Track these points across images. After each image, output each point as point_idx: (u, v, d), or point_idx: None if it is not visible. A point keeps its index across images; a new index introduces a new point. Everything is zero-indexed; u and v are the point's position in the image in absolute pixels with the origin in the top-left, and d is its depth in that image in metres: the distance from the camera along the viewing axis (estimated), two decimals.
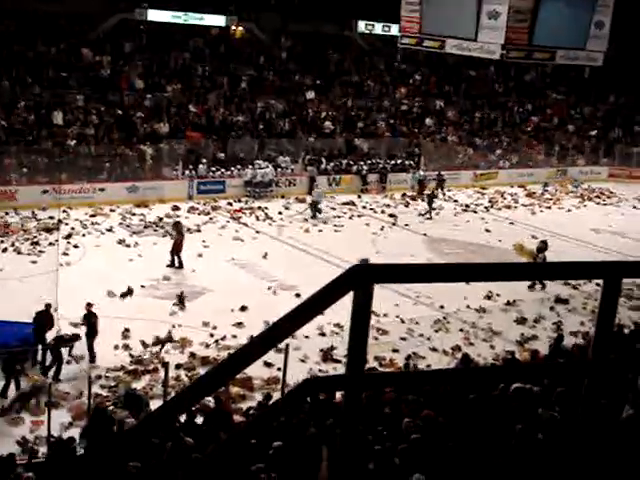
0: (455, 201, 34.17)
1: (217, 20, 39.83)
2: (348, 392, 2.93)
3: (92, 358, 16.40)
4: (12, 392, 14.91)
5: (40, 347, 16.07)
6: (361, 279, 2.92)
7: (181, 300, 19.76)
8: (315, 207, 30.16)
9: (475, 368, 12.32)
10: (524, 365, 13.14)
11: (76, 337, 16.48)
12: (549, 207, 35.30)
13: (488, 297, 21.39)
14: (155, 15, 37.72)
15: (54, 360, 15.89)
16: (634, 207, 36.51)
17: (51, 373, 15.72)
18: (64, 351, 16.13)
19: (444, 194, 34.82)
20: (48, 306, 16.53)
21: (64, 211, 27.39)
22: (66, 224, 26.32)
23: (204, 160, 32.59)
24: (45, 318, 16.39)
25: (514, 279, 3.41)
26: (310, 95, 39.25)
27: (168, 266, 22.66)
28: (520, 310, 20.71)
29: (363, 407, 9.99)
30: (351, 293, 2.96)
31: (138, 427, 3.60)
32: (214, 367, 3.21)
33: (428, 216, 31.12)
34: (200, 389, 3.07)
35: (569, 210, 34.93)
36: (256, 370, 15.58)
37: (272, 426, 9.46)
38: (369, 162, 36.00)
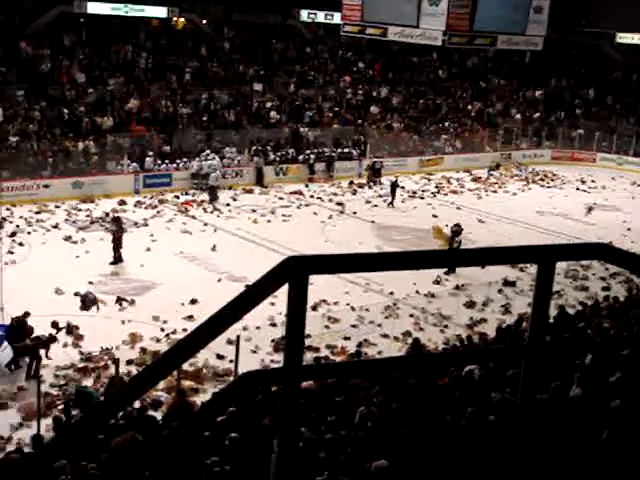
0: (402, 187, 34.35)
1: (158, 11, 39.40)
2: (286, 385, 2.93)
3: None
4: None
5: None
6: (296, 270, 2.92)
7: (120, 300, 19.47)
8: (212, 192, 30.27)
9: (422, 354, 12.42)
10: (471, 350, 13.31)
11: (53, 339, 16.26)
12: (495, 191, 35.68)
13: (437, 282, 21.58)
14: (95, 7, 37.10)
15: (31, 360, 15.59)
16: (577, 189, 37.07)
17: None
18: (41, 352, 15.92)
19: (380, 182, 34.82)
20: (27, 314, 16.27)
21: (7, 209, 26.85)
22: (10, 222, 25.84)
23: (150, 153, 32.26)
24: (24, 325, 16.08)
25: (449, 265, 3.45)
26: (257, 87, 39.08)
27: (112, 263, 22.34)
28: (469, 294, 20.92)
29: (315, 396, 10.00)
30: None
31: (80, 423, 3.55)
32: (152, 363, 3.17)
33: (389, 204, 31.28)
34: (141, 384, 3.04)
35: (514, 193, 35.38)
36: (208, 363, 15.66)
37: (226, 419, 9.46)
38: (316, 151, 35.99)
